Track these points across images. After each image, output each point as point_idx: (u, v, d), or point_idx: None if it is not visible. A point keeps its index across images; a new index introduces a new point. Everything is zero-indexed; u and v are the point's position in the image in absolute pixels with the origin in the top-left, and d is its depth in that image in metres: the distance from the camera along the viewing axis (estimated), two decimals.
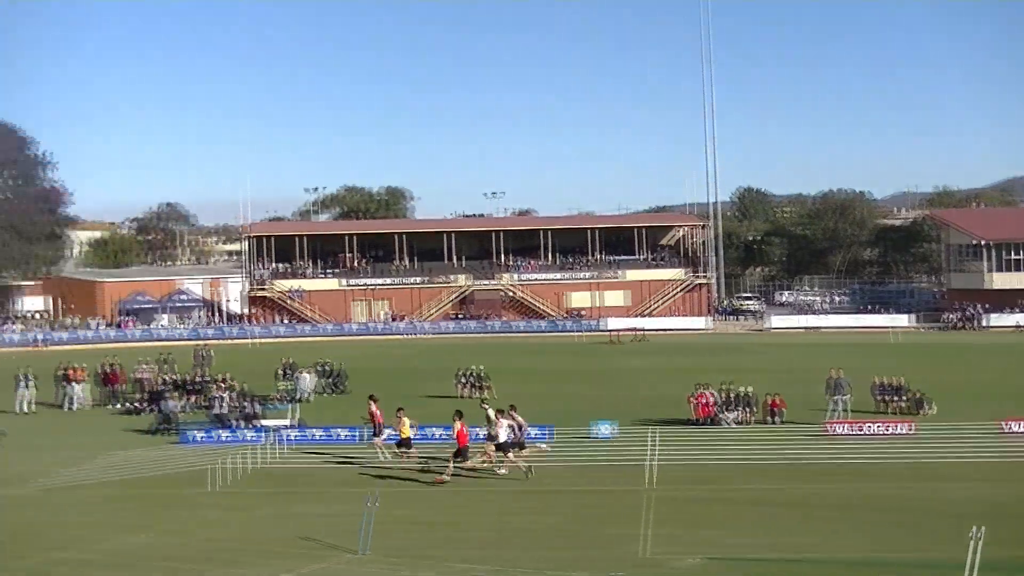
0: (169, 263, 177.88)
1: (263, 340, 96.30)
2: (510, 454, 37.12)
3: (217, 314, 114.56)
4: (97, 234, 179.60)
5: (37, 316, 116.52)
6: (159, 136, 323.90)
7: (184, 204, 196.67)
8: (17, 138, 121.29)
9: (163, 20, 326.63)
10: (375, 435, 40.15)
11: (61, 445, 43.55)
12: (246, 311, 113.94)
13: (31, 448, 43.17)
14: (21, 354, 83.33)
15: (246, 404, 47.66)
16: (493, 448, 37.36)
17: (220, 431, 44.21)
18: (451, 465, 36.19)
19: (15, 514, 31.59)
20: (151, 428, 46.54)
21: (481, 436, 38.78)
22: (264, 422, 45.65)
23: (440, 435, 42.50)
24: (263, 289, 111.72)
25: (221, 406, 47.40)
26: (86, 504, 33.03)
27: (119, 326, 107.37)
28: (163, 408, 47.76)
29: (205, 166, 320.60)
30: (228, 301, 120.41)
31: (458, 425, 37.28)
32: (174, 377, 55.47)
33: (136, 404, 52.55)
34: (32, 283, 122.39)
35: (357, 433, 43.03)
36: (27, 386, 54.34)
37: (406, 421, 38.61)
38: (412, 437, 38.84)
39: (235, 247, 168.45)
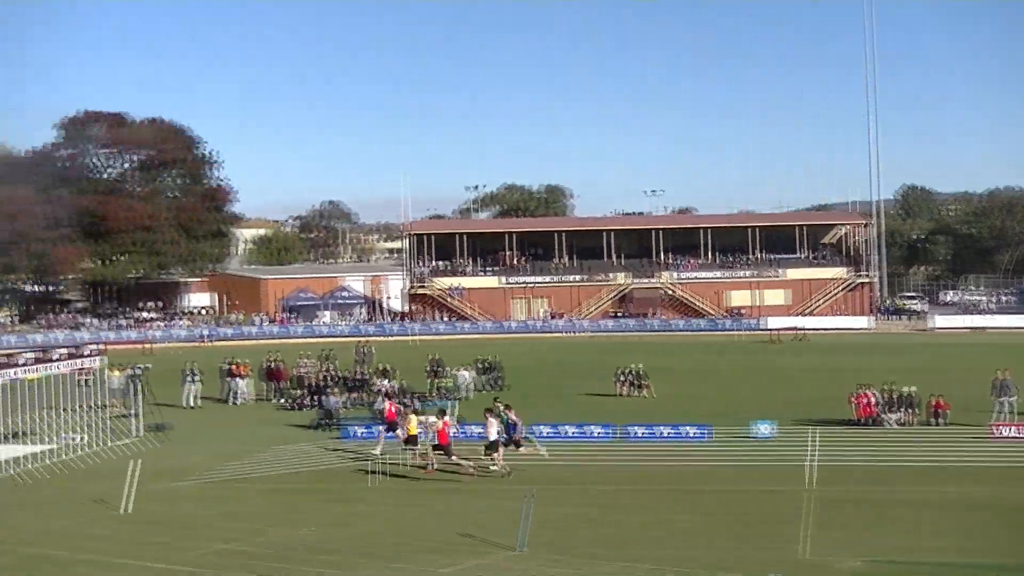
0: (331, 261, 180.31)
1: (423, 337, 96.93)
2: (495, 453, 37.11)
3: (378, 311, 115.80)
4: (261, 232, 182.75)
5: (203, 312, 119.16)
6: (322, 135, 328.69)
7: (346, 202, 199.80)
8: (185, 138, 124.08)
9: (324, 19, 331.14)
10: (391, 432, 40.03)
11: (225, 439, 44.36)
12: (406, 308, 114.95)
13: (196, 442, 44.07)
14: (187, 349, 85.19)
15: (406, 400, 48.01)
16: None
17: (381, 426, 44.57)
18: (432, 456, 37.01)
19: (180, 506, 32.20)
20: (313, 423, 47.13)
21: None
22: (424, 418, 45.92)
23: (598, 433, 42.50)
24: (423, 286, 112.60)
25: (382, 402, 47.80)
26: (249, 497, 33.56)
27: (282, 322, 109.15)
28: (325, 404, 48.32)
29: (367, 165, 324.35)
30: (389, 298, 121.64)
31: (440, 424, 37.37)
32: (335, 373, 56.18)
33: (298, 399, 53.34)
34: (198, 280, 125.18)
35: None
36: (193, 381, 55.49)
37: (413, 420, 38.74)
38: (420, 434, 38.54)
39: (396, 245, 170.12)
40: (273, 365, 57.69)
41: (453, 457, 37.00)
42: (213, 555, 25.83)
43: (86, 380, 47.06)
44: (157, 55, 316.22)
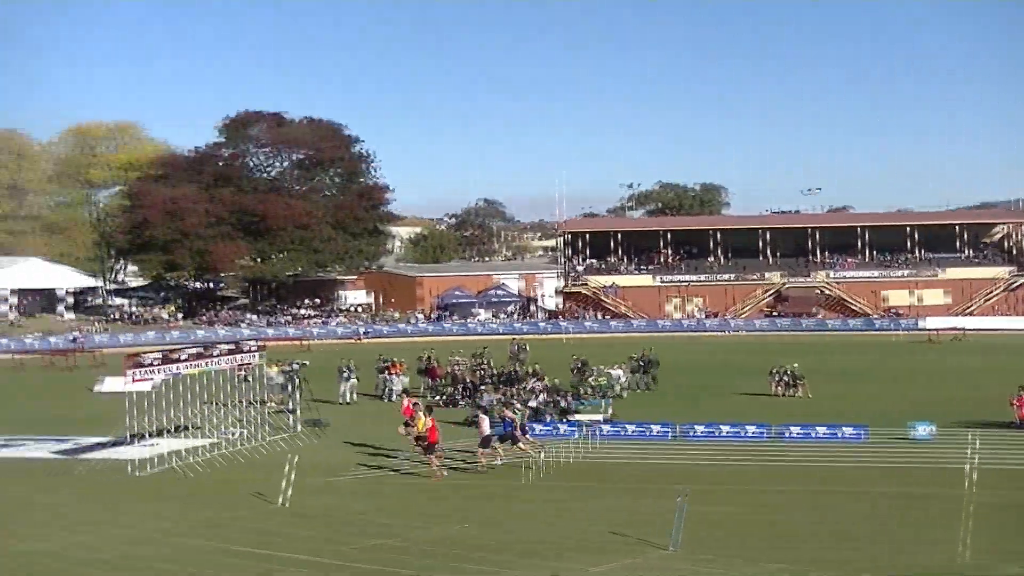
0: (486, 259, 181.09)
1: (576, 336, 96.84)
2: (484, 450, 37.90)
3: (532, 309, 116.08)
4: (417, 230, 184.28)
5: (359, 310, 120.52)
6: (478, 133, 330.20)
7: (501, 200, 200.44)
8: (343, 137, 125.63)
9: (479, 17, 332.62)
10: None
11: (380, 435, 44.80)
12: (560, 306, 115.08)
13: (352, 437, 44.56)
14: (344, 346, 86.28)
15: (559, 399, 48.04)
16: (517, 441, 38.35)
17: (534, 425, 44.64)
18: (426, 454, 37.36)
19: (336, 501, 32.62)
20: (467, 420, 47.35)
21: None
22: (577, 417, 45.91)
23: (752, 433, 42.12)
24: (577, 285, 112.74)
25: (536, 400, 47.87)
26: (403, 493, 33.84)
27: (437, 320, 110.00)
28: (479, 401, 48.51)
29: (522, 163, 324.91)
30: (543, 296, 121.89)
31: (429, 422, 37.58)
32: (489, 371, 56.44)
33: (452, 396, 53.65)
34: (355, 277, 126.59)
35: (670, 429, 42.85)
36: (349, 377, 56.22)
37: (422, 417, 38.57)
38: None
39: (551, 243, 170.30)
40: (428, 363, 58.17)
41: (432, 456, 37.22)
42: (367, 550, 26.08)
43: (245, 376, 47.90)
44: (315, 56, 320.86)
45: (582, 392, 51.87)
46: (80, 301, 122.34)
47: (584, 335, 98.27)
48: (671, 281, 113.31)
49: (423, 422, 38.19)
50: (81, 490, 34.93)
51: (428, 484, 35.05)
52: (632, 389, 56.62)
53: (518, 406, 42.01)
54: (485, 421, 39.23)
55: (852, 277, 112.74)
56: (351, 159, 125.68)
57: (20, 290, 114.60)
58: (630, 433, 43.08)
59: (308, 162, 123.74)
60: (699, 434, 42.42)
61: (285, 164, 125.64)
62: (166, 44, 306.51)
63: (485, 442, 38.47)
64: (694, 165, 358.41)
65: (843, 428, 41.92)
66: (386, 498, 33.11)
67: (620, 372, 56.44)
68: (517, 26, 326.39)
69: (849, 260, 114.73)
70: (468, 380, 54.73)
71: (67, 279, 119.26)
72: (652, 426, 43.53)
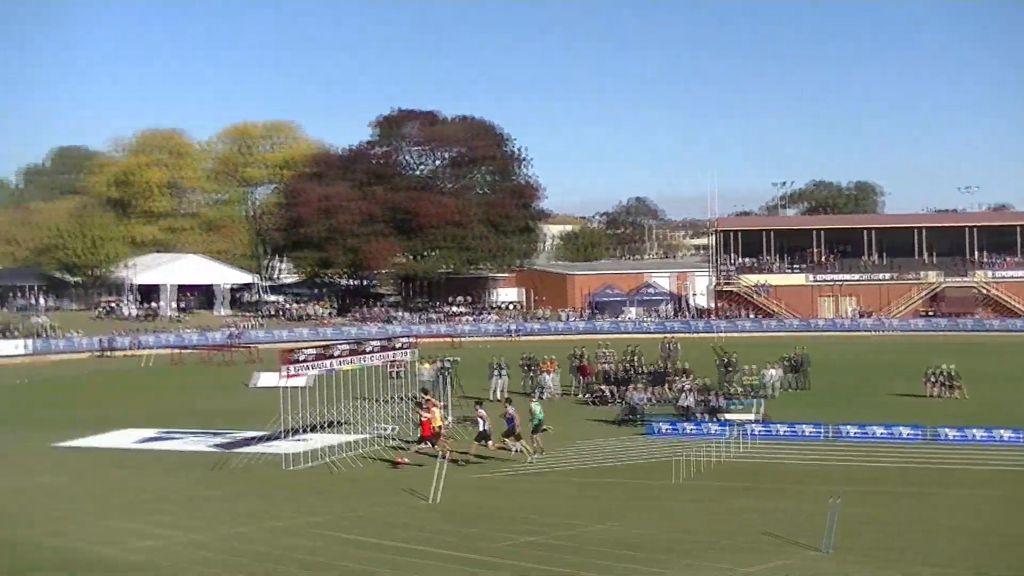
0: (637, 257, 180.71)
1: (728, 335, 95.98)
2: (488, 443, 39.04)
3: (683, 308, 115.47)
4: (568, 228, 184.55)
5: (511, 307, 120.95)
6: (629, 131, 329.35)
7: (652, 199, 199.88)
8: (495, 135, 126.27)
9: (629, 16, 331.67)
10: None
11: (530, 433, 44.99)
12: (712, 305, 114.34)
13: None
14: (495, 343, 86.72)
15: (710, 397, 47.75)
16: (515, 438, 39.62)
17: (685, 424, 44.46)
18: (420, 445, 38.65)
19: (487, 497, 32.78)
20: (617, 419, 47.29)
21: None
22: (728, 416, 45.60)
23: (906, 435, 41.44)
24: (729, 283, 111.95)
25: (686, 399, 47.64)
26: (554, 490, 33.88)
27: (588, 318, 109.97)
28: (630, 399, 48.42)
29: (674, 161, 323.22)
30: (694, 295, 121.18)
31: (427, 414, 38.44)
32: (639, 368, 56.28)
33: (603, 395, 53.59)
34: (507, 275, 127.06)
35: (822, 430, 42.32)
36: (500, 375, 56.49)
37: (437, 413, 39.61)
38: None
39: (702, 241, 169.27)
40: (579, 361, 58.21)
41: (419, 446, 38.53)
42: (517, 547, 26.15)
43: (397, 372, 48.40)
44: (469, 55, 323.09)
45: (733, 391, 51.54)
46: (237, 297, 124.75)
47: (735, 334, 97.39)
48: (824, 280, 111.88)
49: (438, 415, 39.56)
50: (237, 483, 35.60)
51: (582, 482, 35.03)
52: (784, 389, 56.05)
53: (534, 402, 43.29)
54: (483, 417, 39.61)
55: (1011, 277, 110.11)
56: (503, 157, 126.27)
57: (179, 286, 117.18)
58: (782, 433, 42.64)
59: (460, 160, 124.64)
60: (852, 435, 41.85)
61: (437, 162, 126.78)
62: (321, 45, 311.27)
63: (484, 436, 39.11)
64: (848, 163, 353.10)
65: (1001, 431, 40.97)
66: (537, 495, 33.15)
67: (772, 372, 55.89)
68: (671, 25, 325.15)
69: (1008, 259, 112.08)
70: (615, 375, 54.68)
71: (224, 276, 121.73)
72: (804, 426, 43.01)
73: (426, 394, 42.48)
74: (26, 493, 34.37)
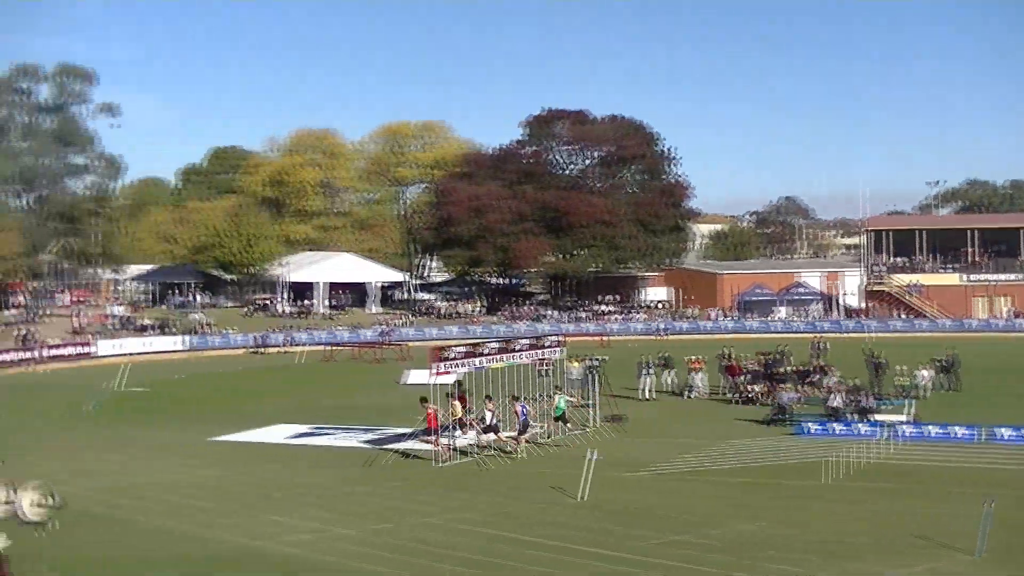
0: (787, 256, 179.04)
1: (879, 335, 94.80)
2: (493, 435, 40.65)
3: (833, 308, 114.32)
4: (718, 227, 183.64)
5: (659, 306, 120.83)
6: (779, 130, 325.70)
7: (803, 198, 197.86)
8: (644, 134, 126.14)
9: (777, 15, 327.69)
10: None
11: (679, 432, 45.02)
12: (862, 305, 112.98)
13: (651, 433, 44.91)
14: (643, 342, 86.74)
15: (860, 398, 47.30)
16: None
17: (834, 424, 44.13)
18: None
19: (634, 496, 32.82)
20: (766, 419, 47.11)
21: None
22: (879, 417, 45.15)
23: None
24: (881, 283, 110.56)
25: (835, 399, 47.25)
26: (701, 490, 33.85)
27: (737, 317, 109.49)
28: (779, 400, 48.20)
29: (824, 160, 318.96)
30: (845, 295, 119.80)
31: (429, 410, 39.14)
32: (788, 367, 55.94)
33: (750, 395, 53.41)
34: (656, 274, 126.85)
35: (976, 432, 41.68)
36: (649, 373, 56.61)
37: (458, 406, 40.33)
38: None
39: (853, 241, 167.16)
40: (728, 360, 58.03)
41: (425, 438, 39.64)
42: (665, 546, 26.31)
43: (546, 370, 48.74)
44: (618, 54, 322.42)
45: (884, 392, 50.99)
46: (388, 295, 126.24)
47: (887, 334, 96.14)
48: (978, 280, 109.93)
49: (456, 408, 40.33)
50: (387, 479, 36.18)
51: (730, 481, 35.03)
52: (935, 390, 55.29)
53: (563, 397, 44.31)
54: (488, 413, 40.53)
55: None
56: (653, 156, 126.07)
57: (331, 284, 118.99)
58: (933, 435, 42.05)
59: (610, 159, 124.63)
60: (1007, 437, 41.06)
61: (587, 161, 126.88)
62: (471, 46, 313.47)
63: (491, 429, 40.54)
64: (1004, 162, 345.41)
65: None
66: (685, 494, 33.18)
67: (924, 373, 55.16)
68: (822, 22, 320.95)
69: None
70: (768, 376, 54.46)
71: (376, 274, 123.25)
72: (957, 428, 42.33)
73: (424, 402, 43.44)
74: (184, 486, 35.46)
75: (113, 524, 29.70)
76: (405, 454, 40.11)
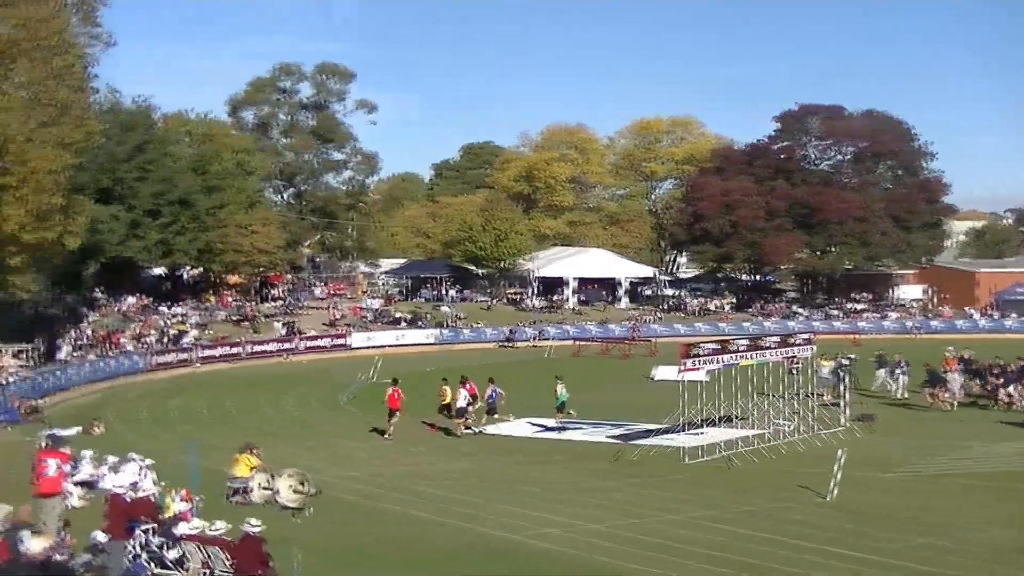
0: None
1: None
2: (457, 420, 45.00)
3: None
4: (975, 224, 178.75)
5: (913, 305, 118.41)
6: None
7: None
8: (900, 129, 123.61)
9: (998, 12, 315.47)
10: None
11: (931, 433, 44.23)
12: None
13: (902, 434, 44.25)
14: (895, 341, 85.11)
15: None
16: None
17: None
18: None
19: (883, 497, 32.42)
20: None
21: None
22: None
23: None
24: None
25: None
26: (953, 493, 33.17)
27: (996, 317, 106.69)
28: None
29: None
30: None
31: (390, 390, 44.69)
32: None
33: (1010, 399, 51.91)
34: (910, 272, 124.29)
35: None
36: (900, 372, 55.71)
37: (463, 392, 44.94)
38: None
39: None
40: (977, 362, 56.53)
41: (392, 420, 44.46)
42: (915, 548, 26.02)
43: (796, 368, 48.43)
44: (872, 49, 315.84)
45: None
46: (637, 291, 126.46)
47: None
48: None
49: (448, 393, 44.75)
50: (634, 474, 36.45)
51: (984, 486, 34.27)
52: None
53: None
54: (463, 394, 44.65)
55: None
56: (908, 152, 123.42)
57: (580, 279, 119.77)
58: None
59: (864, 155, 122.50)
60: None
61: (840, 157, 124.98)
62: (723, 41, 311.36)
63: (462, 412, 44.73)
64: None
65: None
66: (935, 496, 32.58)
67: None
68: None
69: None
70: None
71: (625, 269, 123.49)
72: None
73: (445, 382, 46.88)
74: (434, 477, 36.44)
75: (367, 512, 30.63)
76: (652, 449, 40.40)
